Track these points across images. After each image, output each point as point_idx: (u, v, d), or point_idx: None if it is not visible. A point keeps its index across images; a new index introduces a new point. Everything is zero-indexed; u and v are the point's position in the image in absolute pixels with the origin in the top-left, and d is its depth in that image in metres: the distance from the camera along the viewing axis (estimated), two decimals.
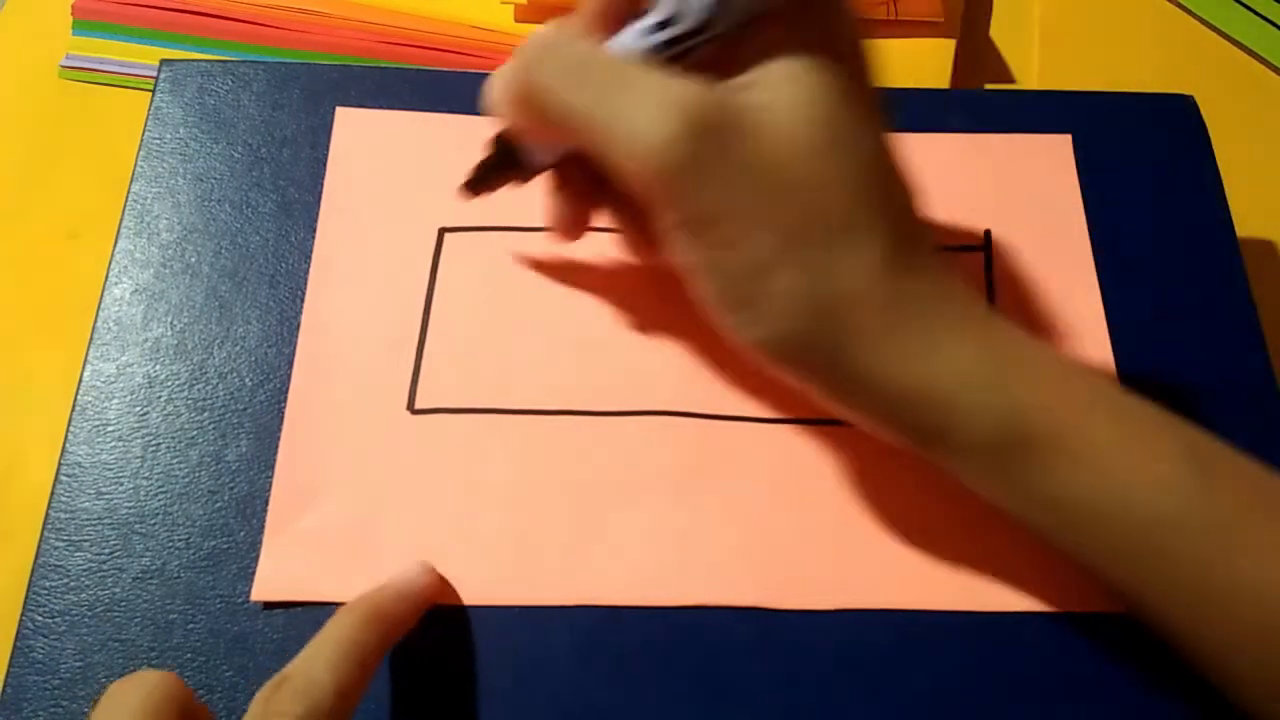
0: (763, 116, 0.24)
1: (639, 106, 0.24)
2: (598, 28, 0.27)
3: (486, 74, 0.35)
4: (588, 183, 0.29)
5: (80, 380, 0.30)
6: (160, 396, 0.30)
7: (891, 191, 0.26)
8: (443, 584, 0.28)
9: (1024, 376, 0.25)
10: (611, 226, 0.31)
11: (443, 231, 0.33)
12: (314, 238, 0.32)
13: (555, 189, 0.30)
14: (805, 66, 0.24)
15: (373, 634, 0.25)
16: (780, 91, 0.24)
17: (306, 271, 0.32)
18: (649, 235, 0.28)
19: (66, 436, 0.30)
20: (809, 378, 0.26)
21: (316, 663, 0.24)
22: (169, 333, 0.31)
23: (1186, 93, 0.36)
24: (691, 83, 0.24)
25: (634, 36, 0.26)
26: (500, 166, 0.29)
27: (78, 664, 0.27)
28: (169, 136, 0.34)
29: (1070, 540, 0.26)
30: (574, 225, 0.30)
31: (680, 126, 0.23)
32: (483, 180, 0.30)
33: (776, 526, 0.29)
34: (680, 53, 0.25)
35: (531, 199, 0.33)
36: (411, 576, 0.27)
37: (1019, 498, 0.26)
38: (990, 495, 0.26)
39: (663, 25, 0.25)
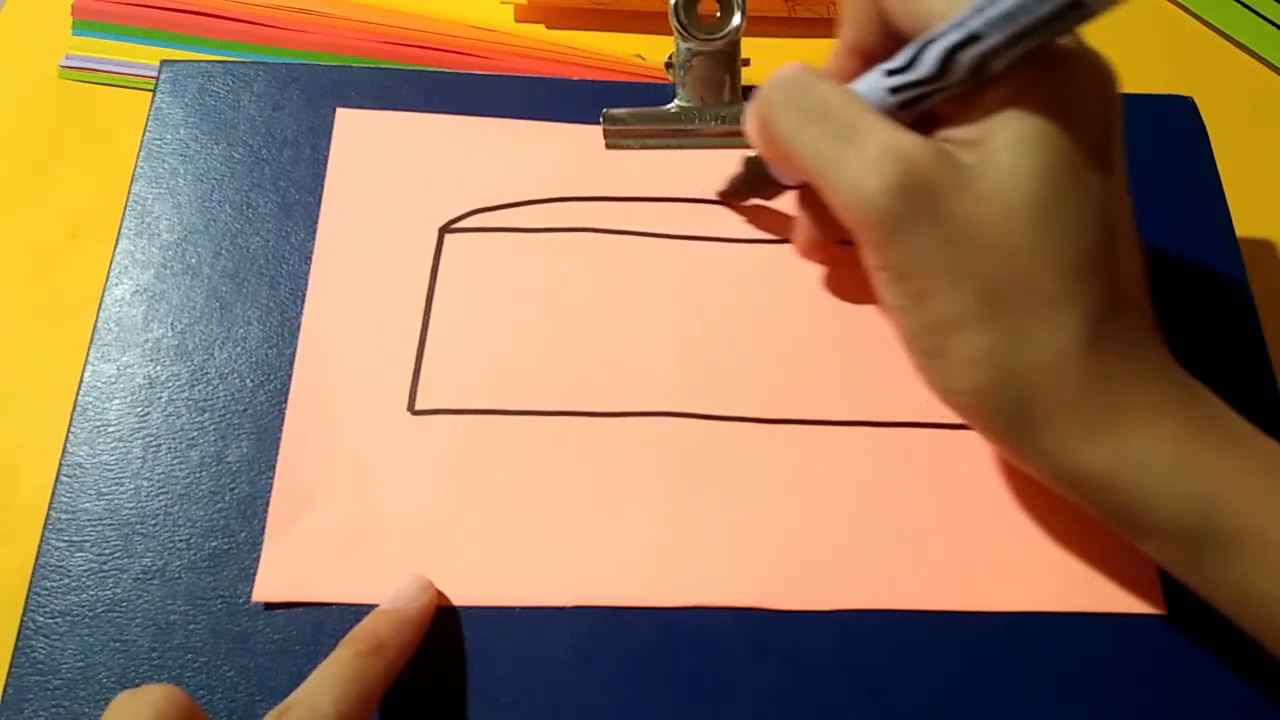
0: (979, 178, 0.24)
1: (859, 155, 0.24)
2: (848, 64, 0.28)
3: (486, 74, 0.35)
4: (829, 209, 0.29)
5: (81, 381, 0.30)
6: (161, 397, 0.30)
7: (1106, 265, 0.25)
8: (441, 598, 0.28)
9: (1218, 466, 0.24)
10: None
11: (443, 231, 0.33)
12: (314, 239, 0.32)
13: (799, 208, 0.31)
14: (1033, 131, 0.24)
15: (375, 666, 0.25)
16: (1002, 155, 0.24)
17: (307, 272, 0.32)
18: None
19: (67, 437, 0.30)
20: (992, 438, 0.26)
21: (320, 694, 0.24)
22: (169, 333, 0.31)
23: (1186, 93, 0.36)
24: (913, 137, 0.24)
25: (872, 80, 0.26)
26: (748, 184, 0.32)
27: (79, 664, 0.27)
28: (169, 137, 0.34)
29: (1261, 632, 0.25)
30: (814, 246, 0.31)
31: (893, 182, 0.24)
32: (733, 193, 0.33)
33: (776, 526, 0.29)
34: (913, 99, 0.25)
35: (532, 197, 0.33)
36: (409, 596, 0.27)
37: (1211, 586, 0.25)
38: (1179, 577, 0.26)
39: (899, 71, 0.25)
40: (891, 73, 0.25)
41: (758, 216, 0.33)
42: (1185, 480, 0.24)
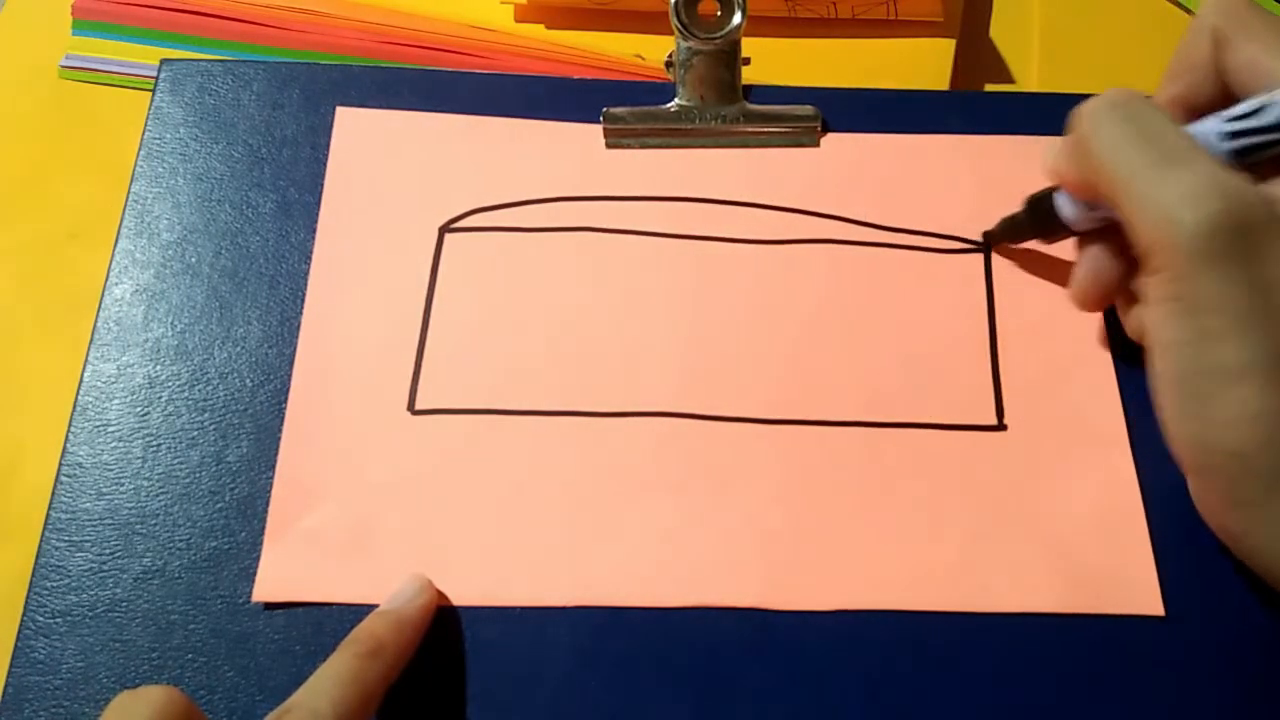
0: None
1: (1184, 185, 0.24)
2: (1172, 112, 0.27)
3: (486, 74, 0.35)
4: (1117, 257, 0.29)
5: (81, 380, 0.30)
6: (161, 397, 0.30)
7: None
8: (441, 598, 0.28)
9: None
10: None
11: (443, 231, 0.33)
12: (314, 238, 0.32)
13: (1082, 253, 0.30)
14: None
15: (375, 667, 0.25)
16: None
17: (307, 272, 0.32)
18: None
19: (67, 437, 0.30)
20: (1220, 504, 0.25)
21: (319, 696, 0.24)
22: (169, 333, 0.31)
23: None
24: (1241, 177, 0.24)
25: (1207, 125, 0.26)
26: (1030, 225, 0.31)
27: (79, 664, 0.27)
28: (169, 136, 0.34)
29: None
30: (1096, 296, 0.30)
31: (1216, 213, 0.23)
32: (1006, 234, 0.32)
33: (776, 526, 0.29)
34: (1248, 148, 0.25)
35: (532, 196, 0.33)
36: (409, 596, 0.27)
37: None
38: None
39: (1240, 118, 0.25)
40: (1232, 119, 0.26)
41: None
42: None
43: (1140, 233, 0.25)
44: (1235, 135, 0.26)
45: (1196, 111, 0.27)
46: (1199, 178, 0.24)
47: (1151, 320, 0.26)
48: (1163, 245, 0.24)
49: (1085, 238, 0.30)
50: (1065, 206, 0.29)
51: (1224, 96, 0.27)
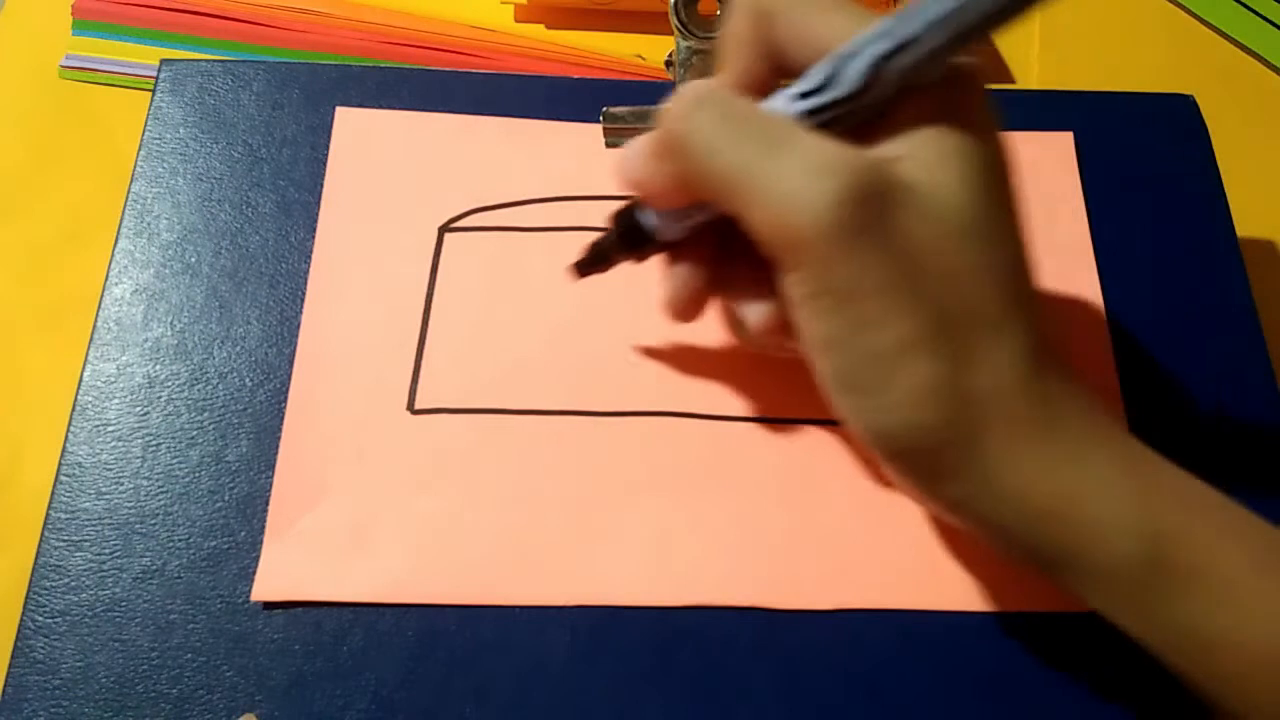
0: (918, 194, 0.23)
1: (798, 167, 0.22)
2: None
3: (486, 74, 0.35)
4: (708, 262, 0.27)
5: (80, 380, 0.30)
6: (160, 396, 0.30)
7: (1031, 288, 0.24)
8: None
9: (1166, 500, 0.23)
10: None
11: (443, 231, 0.33)
12: (314, 238, 0.32)
13: (671, 267, 0.28)
14: (957, 148, 0.23)
15: None
16: (934, 172, 0.23)
17: (306, 271, 0.32)
18: (767, 318, 0.26)
19: (67, 436, 0.30)
20: (929, 480, 0.24)
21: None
22: (169, 333, 0.31)
23: (1186, 93, 0.36)
24: (852, 149, 0.23)
25: (780, 104, 0.24)
26: (620, 244, 0.28)
27: (78, 664, 0.27)
28: (169, 136, 0.34)
29: (1196, 669, 0.24)
30: (690, 306, 0.28)
31: (841, 191, 0.22)
32: (597, 260, 0.29)
33: (776, 526, 0.29)
34: (826, 121, 0.24)
35: (532, 196, 0.33)
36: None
37: (1147, 624, 0.24)
38: (1116, 619, 0.24)
39: (812, 93, 0.24)
40: (802, 95, 0.24)
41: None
42: (1138, 513, 0.23)
43: (765, 229, 0.23)
44: (811, 113, 0.24)
45: (762, 90, 0.26)
46: (813, 156, 0.22)
47: (801, 322, 0.24)
48: (793, 236, 0.23)
49: (673, 248, 0.28)
50: (651, 217, 0.27)
51: (779, 72, 0.25)
